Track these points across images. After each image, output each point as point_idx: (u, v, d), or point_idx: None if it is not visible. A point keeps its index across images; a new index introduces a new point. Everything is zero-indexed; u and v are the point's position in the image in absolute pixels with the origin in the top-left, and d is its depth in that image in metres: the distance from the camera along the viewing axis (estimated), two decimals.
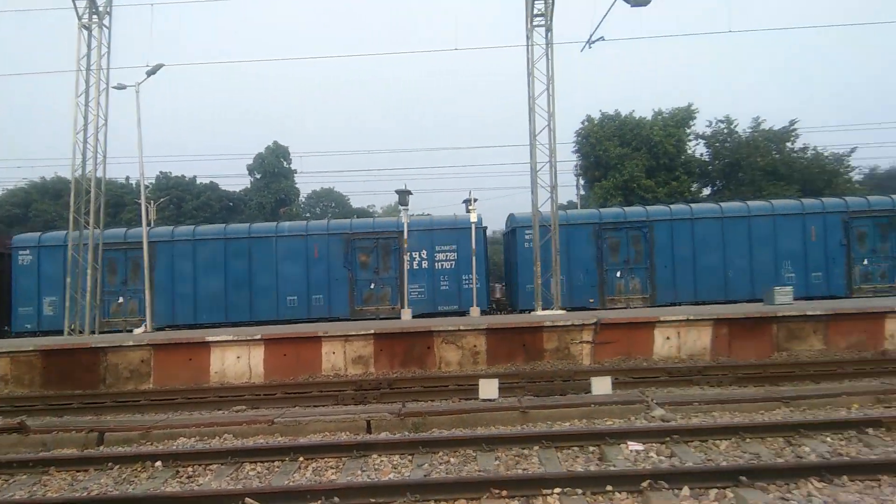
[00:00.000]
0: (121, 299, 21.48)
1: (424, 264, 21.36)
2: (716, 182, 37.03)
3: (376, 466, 6.64)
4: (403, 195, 21.19)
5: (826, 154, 35.59)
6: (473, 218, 20.75)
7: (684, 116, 35.03)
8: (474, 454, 6.88)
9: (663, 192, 32.80)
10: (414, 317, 19.44)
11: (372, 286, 21.43)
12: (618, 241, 21.50)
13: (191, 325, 20.87)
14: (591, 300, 21.20)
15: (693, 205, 22.80)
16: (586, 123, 35.59)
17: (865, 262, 20.93)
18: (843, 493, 5.08)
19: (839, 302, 16.65)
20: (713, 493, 5.32)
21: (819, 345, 13.99)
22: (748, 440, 6.91)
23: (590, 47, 18.33)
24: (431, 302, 21.23)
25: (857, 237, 21.14)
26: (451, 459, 6.75)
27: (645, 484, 5.44)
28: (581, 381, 11.06)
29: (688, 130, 35.55)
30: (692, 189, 35.14)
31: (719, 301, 20.26)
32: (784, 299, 15.85)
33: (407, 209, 21.03)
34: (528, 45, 18.42)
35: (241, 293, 21.30)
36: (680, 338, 14.06)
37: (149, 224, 22.33)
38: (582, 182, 37.61)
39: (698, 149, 36.99)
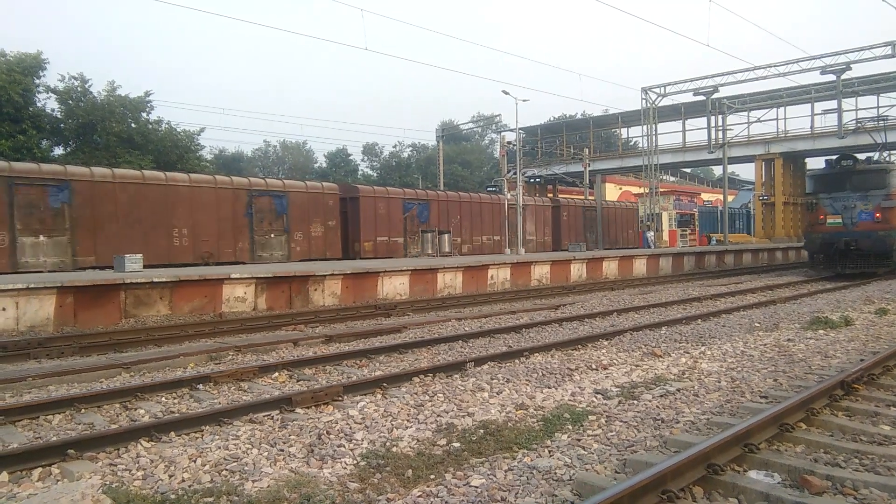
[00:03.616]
0: None
1: None
2: (70, 142, 34.71)
3: None
4: None
5: (179, 130, 37.49)
6: None
7: (32, 64, 31.56)
8: None
9: (8, 146, 28.96)
10: None
11: None
12: None
13: None
14: None
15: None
16: None
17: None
18: (168, 448, 5.43)
19: (183, 270, 17.79)
20: (37, 472, 4.96)
21: (165, 310, 14.71)
22: (84, 411, 6.71)
23: None
24: None
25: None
26: None
27: None
28: None
29: (37, 81, 32.20)
30: (42, 146, 32.09)
31: None
32: (133, 266, 16.05)
33: None
34: None
35: None
36: (18, 308, 12.69)
37: None
38: None
39: (49, 103, 33.97)
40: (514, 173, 32.84)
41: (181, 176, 22.60)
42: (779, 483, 4.43)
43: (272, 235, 23.70)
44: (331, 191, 26.13)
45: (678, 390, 7.05)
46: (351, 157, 69.42)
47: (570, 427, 5.82)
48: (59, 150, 34.78)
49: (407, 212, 28.22)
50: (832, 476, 4.38)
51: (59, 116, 33.89)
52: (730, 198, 46.76)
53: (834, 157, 24.25)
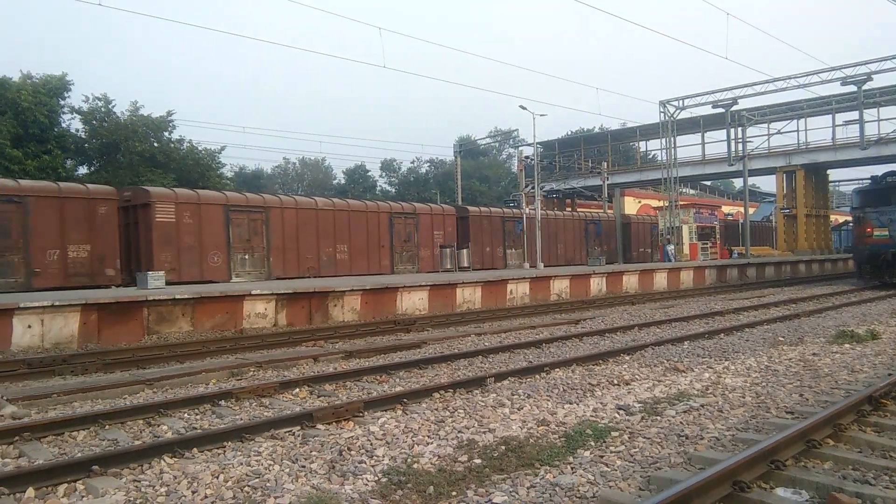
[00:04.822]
0: None
1: None
2: (93, 161, 35.31)
3: None
4: None
5: (200, 148, 38.01)
6: None
7: (58, 86, 32.21)
8: None
9: (33, 166, 29.52)
10: None
11: None
12: None
13: None
14: None
15: None
16: None
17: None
18: (191, 464, 5.46)
19: (205, 287, 17.96)
20: (62, 488, 5.01)
21: (187, 326, 14.84)
22: (108, 427, 6.77)
23: None
24: None
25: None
26: None
27: None
28: None
29: (62, 102, 32.84)
30: (66, 166, 32.69)
31: None
32: (156, 283, 16.23)
33: None
34: None
35: None
36: (44, 325, 12.88)
37: None
38: None
39: (74, 123, 34.62)
40: (532, 188, 32.81)
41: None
42: (807, 501, 4.35)
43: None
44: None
45: (702, 406, 6.96)
46: (369, 173, 69.85)
47: (592, 443, 5.76)
48: (83, 170, 35.38)
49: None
50: (862, 493, 4.30)
51: (83, 136, 34.52)
52: (751, 210, 46.31)
53: (880, 174, 25.15)
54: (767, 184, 62.50)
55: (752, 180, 47.46)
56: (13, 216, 16.97)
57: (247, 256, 21.49)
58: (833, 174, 49.58)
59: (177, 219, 19.81)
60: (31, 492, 4.89)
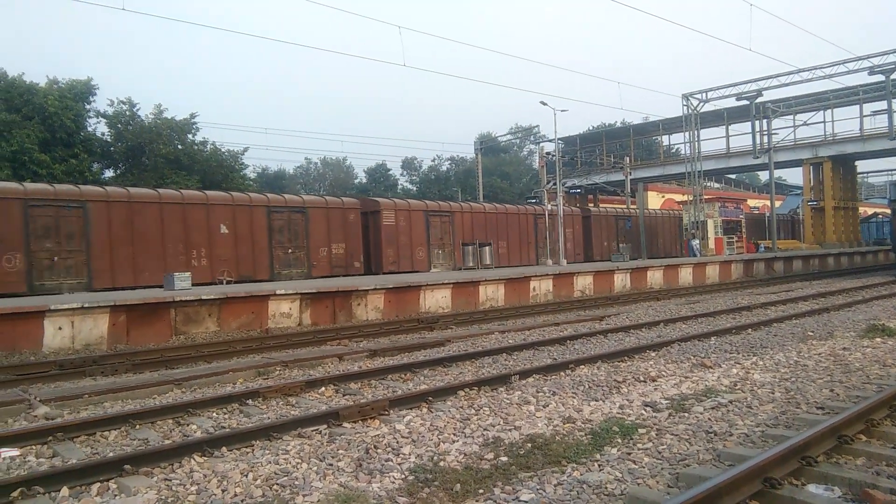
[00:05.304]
0: None
1: None
2: (119, 164, 35.83)
3: None
4: None
5: (223, 150, 38.36)
6: None
7: (83, 90, 32.73)
8: None
9: (61, 170, 30.02)
10: None
11: None
12: None
13: None
14: None
15: None
16: None
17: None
18: (221, 463, 5.52)
19: (230, 287, 18.14)
20: (95, 487, 5.10)
21: (214, 326, 15.01)
22: (138, 427, 6.88)
23: None
24: None
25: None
26: None
27: (16, 493, 4.84)
28: None
29: (87, 106, 33.35)
30: (93, 169, 33.20)
31: None
32: (182, 284, 16.43)
33: None
34: None
35: None
36: (74, 327, 13.12)
37: None
38: None
39: (100, 127, 35.16)
40: (554, 184, 32.67)
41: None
42: (839, 497, 4.29)
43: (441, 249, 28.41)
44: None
45: (730, 402, 6.89)
46: (390, 172, 69.99)
47: (619, 440, 5.73)
48: (109, 173, 35.93)
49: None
50: None
51: (108, 140, 35.03)
52: (777, 203, 45.65)
53: None
54: (794, 176, 61.64)
55: (778, 173, 46.80)
56: (300, 223, 22.99)
57: (440, 251, 27.19)
58: (861, 165, 48.68)
59: (395, 222, 25.45)
60: (65, 491, 4.98)
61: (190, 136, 36.85)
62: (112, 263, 19.07)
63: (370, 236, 25.55)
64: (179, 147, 35.65)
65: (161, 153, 33.99)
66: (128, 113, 35.15)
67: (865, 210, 60.68)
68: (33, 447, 6.25)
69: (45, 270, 18.07)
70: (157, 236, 19.90)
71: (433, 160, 71.66)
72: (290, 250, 22.67)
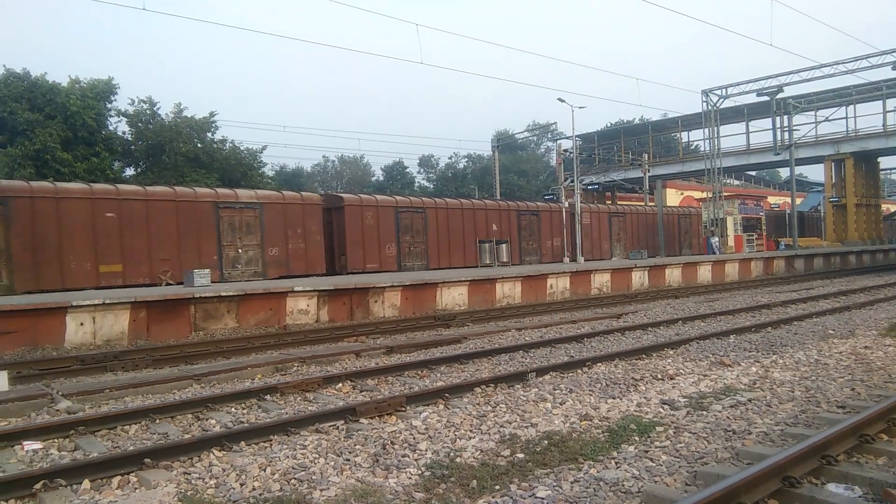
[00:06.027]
0: None
1: None
2: (139, 163, 36.23)
3: None
4: None
5: (242, 148, 38.66)
6: None
7: (104, 90, 33.11)
8: None
9: (82, 168, 30.42)
10: None
11: None
12: None
13: None
14: None
15: None
16: None
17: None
18: (239, 457, 5.58)
19: (248, 284, 18.27)
20: (116, 480, 5.17)
21: (233, 323, 15.13)
22: (158, 421, 6.96)
23: None
24: None
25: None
26: None
27: (39, 486, 4.93)
28: None
29: (108, 105, 33.75)
30: (114, 167, 33.59)
31: None
32: (202, 281, 16.58)
33: None
34: None
35: None
36: (95, 323, 13.29)
37: None
38: None
39: (120, 126, 35.58)
40: (572, 181, 32.53)
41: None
42: (860, 497, 4.23)
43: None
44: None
45: (749, 400, 6.83)
46: (407, 170, 70.08)
47: (636, 438, 5.70)
48: (129, 171, 36.34)
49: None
50: None
51: (129, 139, 35.44)
52: (798, 200, 45.12)
53: None
54: (815, 173, 60.83)
55: (799, 169, 46.20)
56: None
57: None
58: (884, 162, 47.97)
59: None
60: (86, 483, 5.06)
61: (209, 134, 37.19)
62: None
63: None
64: (199, 145, 36.00)
65: (181, 151, 34.35)
66: (148, 112, 35.54)
67: (888, 207, 59.78)
68: (56, 440, 6.35)
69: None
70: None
71: (450, 158, 71.70)
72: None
